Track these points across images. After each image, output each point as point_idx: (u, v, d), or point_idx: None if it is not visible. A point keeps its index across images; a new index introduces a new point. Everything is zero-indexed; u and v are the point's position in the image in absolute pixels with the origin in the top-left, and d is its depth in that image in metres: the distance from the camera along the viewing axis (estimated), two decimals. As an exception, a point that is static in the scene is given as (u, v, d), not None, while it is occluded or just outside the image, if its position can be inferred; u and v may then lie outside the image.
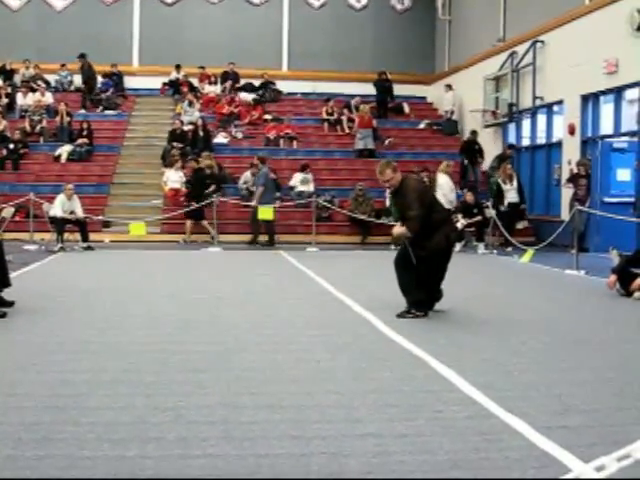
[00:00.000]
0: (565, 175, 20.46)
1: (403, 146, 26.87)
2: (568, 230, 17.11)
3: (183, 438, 4.56)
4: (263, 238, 20.93)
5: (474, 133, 24.51)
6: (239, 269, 15.29)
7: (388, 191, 9.80)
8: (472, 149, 24.19)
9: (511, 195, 20.35)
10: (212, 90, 28.79)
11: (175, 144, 24.59)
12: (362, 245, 21.30)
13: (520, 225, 20.60)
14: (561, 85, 21.13)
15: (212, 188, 22.24)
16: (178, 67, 28.77)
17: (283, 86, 29.89)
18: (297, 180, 23.39)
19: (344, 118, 27.60)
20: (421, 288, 9.06)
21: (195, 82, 29.06)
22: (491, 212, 20.05)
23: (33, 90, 27.22)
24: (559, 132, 21.90)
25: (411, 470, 4.11)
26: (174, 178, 22.73)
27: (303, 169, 23.59)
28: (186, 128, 25.48)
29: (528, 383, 5.98)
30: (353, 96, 28.45)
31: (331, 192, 23.33)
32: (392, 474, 4.06)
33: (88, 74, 27.74)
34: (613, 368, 6.56)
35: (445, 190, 20.22)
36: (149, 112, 28.24)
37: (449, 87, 28.14)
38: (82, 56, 27.31)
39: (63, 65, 28.53)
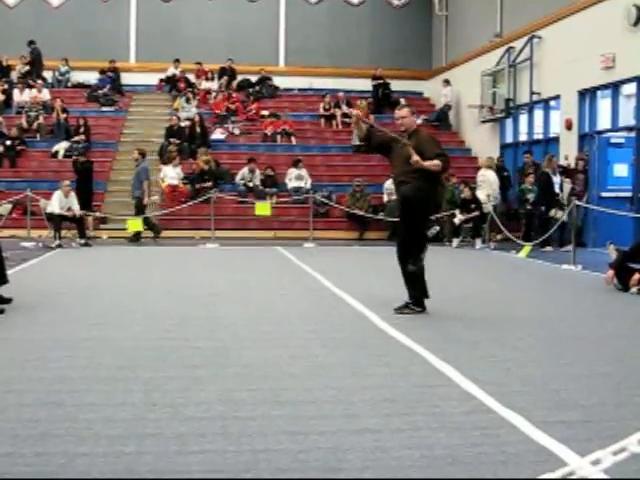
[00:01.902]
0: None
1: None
2: (565, 225, 17.13)
3: (181, 434, 4.56)
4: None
5: (501, 159, 23.20)
6: (236, 265, 15.28)
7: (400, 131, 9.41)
8: (501, 176, 21.77)
9: (556, 188, 19.51)
10: (209, 86, 28.78)
11: (172, 140, 24.58)
12: (359, 241, 21.31)
13: (558, 214, 18.90)
14: (558, 80, 21.13)
15: (209, 183, 22.31)
16: (177, 61, 28.69)
17: (280, 82, 29.87)
18: (292, 176, 23.41)
19: (338, 114, 27.62)
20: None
21: (192, 78, 29.04)
22: (489, 207, 20.05)
23: (30, 86, 27.19)
24: (556, 127, 21.90)
25: (409, 465, 4.11)
26: (171, 174, 22.76)
27: (295, 164, 23.61)
28: (183, 124, 25.47)
29: (525, 378, 5.98)
30: (349, 91, 28.50)
31: (328, 188, 23.34)
32: (390, 469, 4.07)
33: (37, 59, 27.92)
34: (610, 363, 6.57)
35: (494, 186, 20.26)
36: (146, 108, 28.21)
37: (447, 82, 28.14)
38: (32, 43, 27.50)
39: (65, 60, 28.53)
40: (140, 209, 20.46)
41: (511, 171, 23.26)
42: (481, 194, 20.29)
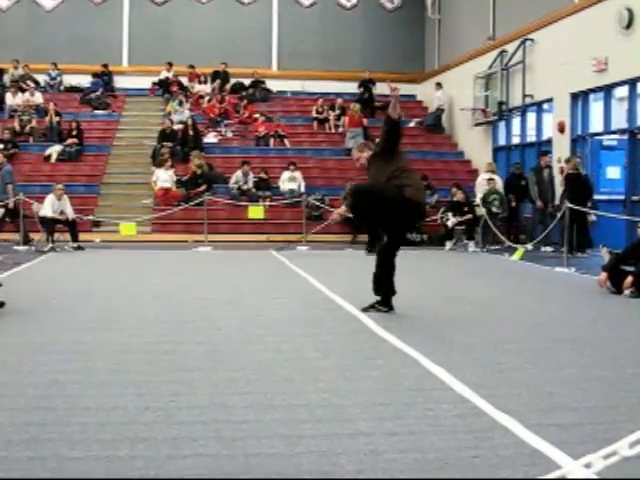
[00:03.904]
0: (555, 173, 20.45)
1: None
2: (558, 228, 17.14)
3: (173, 438, 4.54)
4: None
5: (519, 167, 21.87)
6: (229, 268, 15.26)
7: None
8: (517, 185, 20.91)
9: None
10: (202, 89, 28.79)
11: (165, 144, 24.57)
12: (352, 244, 21.29)
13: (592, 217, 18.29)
14: (551, 83, 21.17)
15: (203, 187, 22.31)
16: (170, 65, 28.70)
17: (273, 85, 29.90)
18: (285, 178, 23.45)
19: (331, 117, 27.64)
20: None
21: (185, 81, 29.05)
22: (482, 210, 20.08)
23: (22, 90, 27.16)
24: (549, 130, 21.95)
25: (402, 469, 4.11)
26: (164, 178, 22.76)
27: (289, 167, 23.64)
28: (176, 127, 25.47)
29: (518, 381, 5.98)
30: (342, 94, 28.53)
31: (321, 191, 23.35)
32: (383, 473, 4.06)
33: None
34: (603, 366, 6.57)
35: (498, 186, 20.24)
36: (139, 112, 28.21)
37: (439, 85, 28.17)
38: None
39: (54, 64, 28.55)
40: (9, 212, 19.96)
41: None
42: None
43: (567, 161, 19.02)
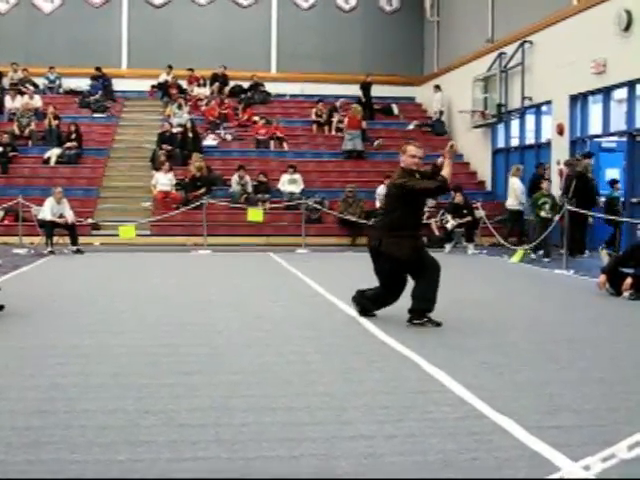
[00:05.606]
0: (554, 175, 20.42)
1: (392, 147, 26.81)
2: (558, 230, 17.14)
3: (174, 441, 4.55)
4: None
5: (544, 167, 20.07)
6: (229, 271, 15.27)
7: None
8: (538, 187, 19.18)
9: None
10: (201, 92, 28.79)
11: (164, 146, 24.56)
12: (352, 247, 21.29)
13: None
14: (550, 85, 21.19)
15: (202, 190, 22.30)
16: (170, 67, 28.71)
17: (272, 88, 29.89)
18: (284, 180, 23.43)
19: (334, 119, 27.60)
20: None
21: (184, 84, 29.05)
22: (480, 213, 20.06)
23: (21, 93, 27.18)
24: (548, 132, 21.95)
25: (402, 471, 4.11)
26: (163, 181, 22.75)
27: (288, 169, 23.63)
28: (175, 130, 25.46)
29: (518, 383, 5.99)
30: (341, 97, 28.52)
31: (320, 194, 23.33)
32: (383, 475, 4.07)
33: None
34: (603, 368, 6.58)
35: (517, 192, 19.95)
36: (138, 115, 28.21)
37: (438, 88, 28.19)
38: None
39: (51, 68, 28.60)
40: None
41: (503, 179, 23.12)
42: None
43: (567, 164, 18.97)
